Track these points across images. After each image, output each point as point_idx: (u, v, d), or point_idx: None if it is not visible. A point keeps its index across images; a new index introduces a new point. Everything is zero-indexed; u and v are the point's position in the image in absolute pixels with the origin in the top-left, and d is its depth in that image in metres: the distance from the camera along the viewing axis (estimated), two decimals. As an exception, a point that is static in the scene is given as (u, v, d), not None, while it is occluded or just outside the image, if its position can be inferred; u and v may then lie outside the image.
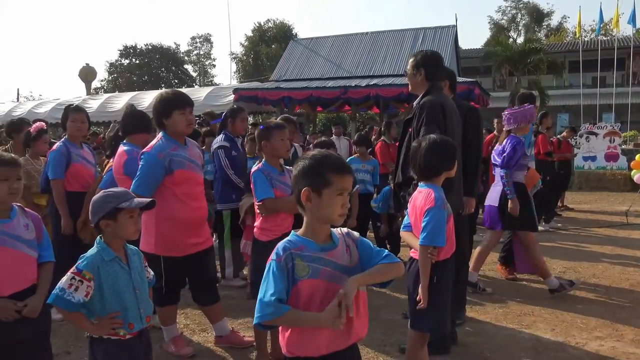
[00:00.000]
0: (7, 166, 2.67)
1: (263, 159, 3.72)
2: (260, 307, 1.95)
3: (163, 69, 45.25)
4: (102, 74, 43.48)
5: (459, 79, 17.09)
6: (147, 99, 20.65)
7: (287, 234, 3.63)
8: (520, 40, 40.32)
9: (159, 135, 3.84)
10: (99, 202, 2.52)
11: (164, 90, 3.89)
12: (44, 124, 5.52)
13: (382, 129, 9.19)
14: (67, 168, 4.88)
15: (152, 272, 2.86)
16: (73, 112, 4.96)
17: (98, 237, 2.56)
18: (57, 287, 2.39)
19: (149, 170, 3.69)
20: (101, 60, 74.27)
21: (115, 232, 2.52)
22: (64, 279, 2.40)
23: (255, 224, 3.71)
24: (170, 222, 3.75)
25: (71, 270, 2.42)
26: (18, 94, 39.96)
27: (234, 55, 45.07)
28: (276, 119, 7.36)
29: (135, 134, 4.39)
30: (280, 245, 2.05)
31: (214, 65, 61.43)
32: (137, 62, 44.19)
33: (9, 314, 2.62)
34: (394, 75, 19.03)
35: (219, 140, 5.60)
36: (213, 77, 53.17)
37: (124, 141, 4.41)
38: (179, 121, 3.77)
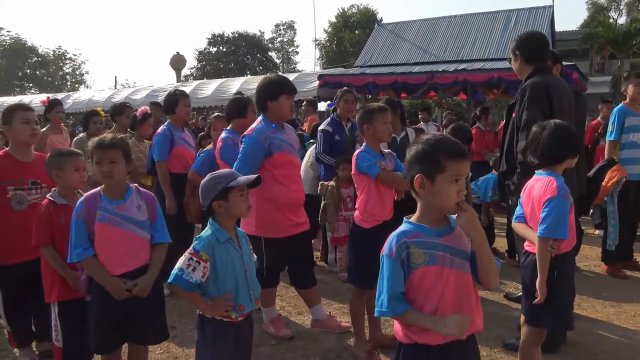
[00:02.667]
0: (99, 149, 2.76)
1: (364, 143, 3.63)
2: (379, 303, 1.94)
3: (249, 57, 46.23)
4: (191, 62, 45.18)
5: (556, 63, 16.20)
6: (234, 86, 21.21)
7: (388, 223, 3.62)
8: (621, 20, 37.38)
9: (259, 119, 3.87)
10: (208, 185, 2.54)
11: (270, 74, 3.91)
12: (148, 108, 5.75)
13: (478, 114, 8.80)
14: (171, 150, 5.06)
15: (254, 255, 2.87)
16: (184, 97, 5.14)
17: (210, 219, 2.59)
18: (176, 267, 2.44)
19: (250, 153, 3.73)
20: (190, 49, 77.24)
21: (228, 212, 2.54)
22: (182, 259, 2.45)
23: (356, 207, 3.64)
24: (271, 204, 3.78)
25: (188, 251, 2.46)
26: (115, 81, 42.48)
27: (317, 42, 45.25)
28: (359, 104, 7.23)
29: (236, 119, 4.46)
30: (392, 238, 1.96)
31: (297, 52, 61.96)
32: (224, 49, 45.41)
33: (119, 293, 2.73)
34: (483, 59, 18.25)
35: (324, 123, 5.58)
36: (296, 63, 53.76)
37: (227, 128, 4.51)
38: (285, 105, 3.79)
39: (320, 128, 5.55)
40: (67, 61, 50.73)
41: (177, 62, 35.12)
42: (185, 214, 4.94)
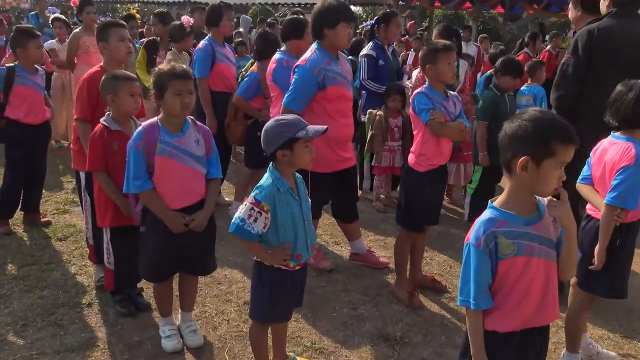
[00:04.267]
0: (179, 79, 2.64)
1: (426, 82, 3.45)
2: (464, 292, 1.89)
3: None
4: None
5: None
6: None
7: (444, 168, 3.53)
8: None
9: (313, 47, 3.67)
10: (274, 132, 2.42)
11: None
12: (192, 19, 5.48)
13: (526, 39, 8.32)
14: (212, 67, 4.88)
15: None
16: (229, 10, 4.89)
17: (271, 166, 2.50)
18: (236, 216, 2.40)
19: (303, 85, 3.58)
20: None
21: (291, 162, 2.45)
22: (243, 208, 2.39)
23: (411, 149, 3.54)
24: (320, 138, 3.63)
25: (249, 200, 2.40)
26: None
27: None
28: (394, 9, 6.76)
29: (292, 40, 4.25)
30: (478, 226, 1.87)
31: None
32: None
33: (177, 227, 2.72)
34: (529, -30, 17.14)
35: (367, 47, 5.30)
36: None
37: (280, 48, 4.29)
38: (343, 34, 3.56)
39: (363, 53, 5.29)
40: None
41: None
42: (225, 135, 4.86)
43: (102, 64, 3.50)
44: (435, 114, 3.31)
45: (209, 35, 4.99)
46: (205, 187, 2.84)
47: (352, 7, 20.66)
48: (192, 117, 2.85)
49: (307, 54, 3.65)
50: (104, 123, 3.03)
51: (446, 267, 4.23)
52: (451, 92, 3.53)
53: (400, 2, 18.24)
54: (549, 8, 17.82)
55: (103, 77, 3.09)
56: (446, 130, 3.35)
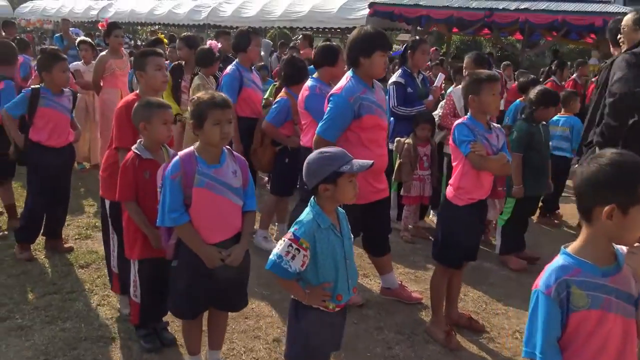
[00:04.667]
0: (219, 108, 2.53)
1: (469, 113, 3.33)
2: (530, 344, 1.72)
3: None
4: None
5: None
6: (279, 7, 20.46)
7: (483, 202, 3.38)
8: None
9: (348, 75, 3.57)
10: (317, 165, 2.30)
11: (366, 26, 3.54)
12: (219, 44, 5.43)
13: (554, 67, 8.20)
14: (239, 93, 4.81)
15: None
16: (257, 36, 4.83)
17: (312, 200, 2.38)
18: (274, 252, 2.27)
19: (339, 114, 3.47)
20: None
21: (334, 197, 2.32)
22: (281, 245, 2.26)
23: (450, 182, 3.40)
24: (355, 170, 3.56)
25: (288, 236, 2.27)
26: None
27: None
28: (410, 37, 6.70)
29: (326, 67, 4.16)
30: (549, 272, 1.70)
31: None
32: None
33: (214, 262, 2.59)
34: (548, -1, 17.10)
35: (395, 75, 5.21)
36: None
37: (312, 75, 4.21)
38: (378, 63, 3.46)
39: (392, 80, 5.20)
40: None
41: (219, -26, 33.98)
42: (251, 161, 4.75)
43: (138, 91, 3.41)
44: (476, 146, 3.18)
45: (236, 60, 4.93)
46: (241, 220, 2.72)
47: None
48: (228, 147, 2.75)
49: (342, 82, 3.55)
50: (136, 151, 2.93)
51: (481, 304, 4.05)
52: (495, 124, 3.40)
53: (419, 28, 18.35)
54: (568, 35, 17.78)
55: (136, 104, 3.00)
56: (488, 164, 3.22)
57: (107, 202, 3.39)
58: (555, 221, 6.07)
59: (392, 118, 5.33)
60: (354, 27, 15.09)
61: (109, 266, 3.57)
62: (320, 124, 3.54)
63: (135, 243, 2.98)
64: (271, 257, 2.27)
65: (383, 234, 3.91)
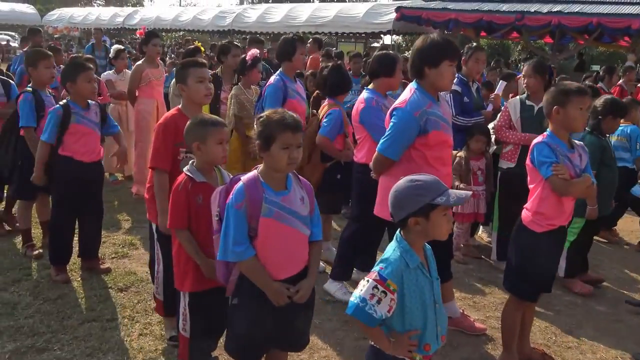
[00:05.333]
0: (290, 131, 2.26)
1: (549, 129, 3.01)
2: None
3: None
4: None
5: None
6: (304, 12, 20.29)
7: (563, 228, 3.06)
8: None
9: (412, 87, 3.27)
10: (407, 195, 2.02)
11: (431, 34, 3.25)
12: (258, 51, 5.18)
13: (602, 73, 7.80)
14: (283, 104, 4.54)
15: None
16: (302, 44, 4.55)
17: (399, 234, 2.10)
18: (356, 295, 1.99)
19: (403, 130, 3.18)
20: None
21: (425, 232, 2.04)
22: (365, 286, 1.99)
23: (526, 206, 3.08)
24: (416, 190, 3.27)
25: (372, 276, 2.00)
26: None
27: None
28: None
29: (382, 78, 3.88)
30: None
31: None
32: (292, -30, 43.52)
33: (282, 300, 2.32)
34: (581, 1, 16.63)
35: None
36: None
37: (367, 87, 3.93)
38: (446, 74, 3.16)
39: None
40: (132, -27, 50.00)
41: (242, -19, 34.06)
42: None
43: (179, 106, 3.17)
44: (559, 169, 2.86)
45: (280, 69, 4.67)
46: (308, 252, 2.44)
47: (394, 37, 20.25)
48: (294, 172, 2.47)
49: (406, 95, 3.26)
50: (189, 174, 2.68)
51: (550, 335, 3.72)
52: (576, 141, 3.07)
53: (446, 32, 17.99)
54: (601, 39, 17.27)
55: (189, 123, 2.75)
56: (571, 189, 2.90)
57: (154, 226, 3.15)
58: (615, 238, 5.70)
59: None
60: (380, 32, 14.85)
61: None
62: (382, 141, 3.26)
63: (186, 274, 2.72)
64: (353, 299, 1.99)
65: (446, 259, 3.61)
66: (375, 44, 29.92)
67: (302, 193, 2.40)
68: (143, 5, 40.77)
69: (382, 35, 23.52)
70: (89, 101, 4.04)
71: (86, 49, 10.10)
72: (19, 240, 4.68)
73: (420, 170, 3.21)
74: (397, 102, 3.27)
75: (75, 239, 4.20)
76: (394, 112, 3.23)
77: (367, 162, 3.79)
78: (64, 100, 3.99)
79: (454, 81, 4.86)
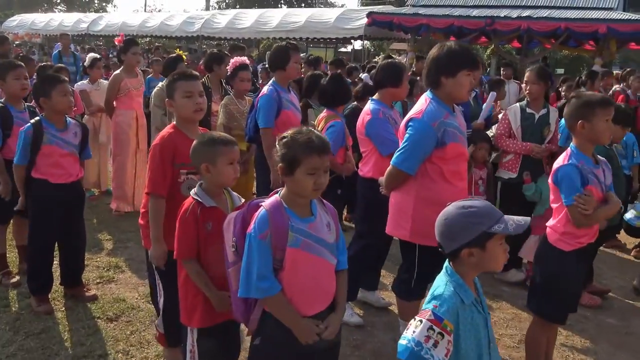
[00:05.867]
0: (317, 155, 2.02)
1: (573, 143, 2.88)
2: None
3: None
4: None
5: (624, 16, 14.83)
6: (274, 18, 20.09)
7: (593, 245, 2.93)
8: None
9: (427, 97, 3.10)
10: (461, 224, 1.82)
11: (448, 42, 3.07)
12: (244, 59, 4.93)
13: (584, 78, 7.79)
14: (278, 115, 4.31)
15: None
16: (296, 52, 4.31)
17: (449, 267, 1.89)
18: (408, 337, 1.77)
19: (420, 142, 2.99)
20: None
21: (479, 264, 1.84)
22: (418, 327, 1.77)
23: (550, 224, 2.93)
24: (433, 206, 3.05)
25: (426, 316, 1.79)
26: (146, 4, 40.89)
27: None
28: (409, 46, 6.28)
29: (389, 88, 3.69)
30: None
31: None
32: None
33: (311, 337, 2.10)
34: (549, 6, 16.96)
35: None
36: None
37: (372, 97, 3.73)
38: (463, 84, 2.99)
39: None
40: (94, -22, 48.95)
41: (208, -15, 33.68)
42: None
43: (174, 122, 2.90)
44: (582, 201, 2.72)
45: (273, 79, 4.44)
46: (335, 283, 2.22)
47: (363, 42, 20.15)
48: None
49: (421, 105, 3.08)
50: (197, 198, 2.43)
51: (567, 352, 3.59)
52: (600, 157, 2.94)
53: (417, 37, 18.08)
54: (567, 42, 17.60)
55: (196, 142, 2.49)
56: (591, 222, 2.80)
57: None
58: (617, 242, 5.64)
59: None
60: (352, 37, 14.74)
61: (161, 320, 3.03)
62: (397, 154, 3.07)
63: (195, 309, 2.46)
64: (404, 342, 1.77)
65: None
66: (343, 49, 30.11)
67: (327, 218, 2.19)
68: (107, 11, 39.79)
69: (352, 41, 23.57)
70: (69, 119, 3.72)
71: (53, 57, 9.62)
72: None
73: (435, 186, 3.07)
74: (412, 113, 3.09)
75: (56, 263, 3.88)
76: (410, 123, 3.05)
77: (373, 176, 3.61)
78: (37, 118, 3.64)
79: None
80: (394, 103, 4.07)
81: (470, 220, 1.80)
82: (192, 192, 2.47)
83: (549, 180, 2.91)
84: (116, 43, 6.09)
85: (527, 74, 4.49)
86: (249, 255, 2.04)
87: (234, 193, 2.58)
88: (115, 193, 5.86)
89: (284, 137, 2.09)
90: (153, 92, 5.36)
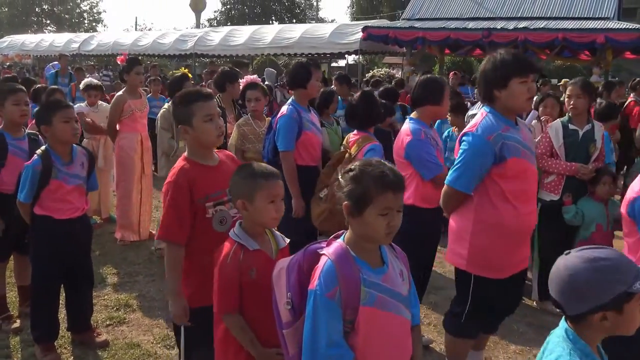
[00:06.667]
0: (390, 192, 1.70)
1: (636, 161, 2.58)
2: None
3: (275, 2, 43.96)
4: (215, 5, 43.21)
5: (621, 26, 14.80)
6: (268, 34, 19.91)
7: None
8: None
9: (484, 111, 2.82)
10: (592, 281, 1.44)
11: (498, 51, 2.79)
12: (254, 77, 4.62)
13: (601, 88, 7.57)
14: (298, 137, 4.01)
15: None
16: (317, 70, 4.03)
17: (570, 331, 1.52)
18: None
19: (475, 157, 2.72)
20: (213, -10, 73.95)
21: (612, 328, 1.47)
22: None
23: (626, 252, 2.62)
24: (493, 231, 2.79)
25: None
26: (136, 22, 40.76)
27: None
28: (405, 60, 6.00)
29: (428, 106, 3.40)
30: None
31: (320, -1, 58.78)
32: (250, -8, 43.28)
33: None
34: (545, 17, 16.92)
35: (475, 106, 4.46)
36: (319, 10, 51.45)
37: (410, 116, 3.43)
38: (518, 93, 2.71)
39: (471, 112, 4.46)
40: (84, -2, 48.78)
41: (197, 3, 33.50)
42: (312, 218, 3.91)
43: (186, 154, 2.52)
44: None
45: (292, 98, 4.13)
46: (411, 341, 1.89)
47: (359, 57, 20.00)
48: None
49: (477, 118, 2.81)
50: (238, 240, 2.10)
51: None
52: None
53: (413, 50, 17.95)
54: (562, 53, 17.55)
55: (234, 174, 2.17)
56: None
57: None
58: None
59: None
60: (347, 52, 14.48)
61: None
62: (450, 172, 2.81)
63: (237, 368, 2.13)
64: None
65: (508, 314, 3.14)
66: (335, 64, 30.00)
67: (399, 266, 1.86)
68: (97, 31, 39.57)
69: (346, 55, 23.44)
70: (74, 147, 3.37)
71: (49, 76, 9.30)
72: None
73: (496, 208, 2.75)
74: (468, 127, 2.82)
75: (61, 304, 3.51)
76: (464, 138, 2.78)
77: (414, 203, 3.31)
78: (42, 148, 3.27)
79: (480, 104, 4.46)
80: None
81: (606, 277, 1.44)
82: (232, 233, 2.14)
83: (622, 211, 2.59)
84: (119, 62, 5.77)
85: (569, 88, 4.18)
86: (314, 318, 1.69)
87: (277, 232, 2.26)
88: (120, 221, 5.49)
89: (351, 170, 1.76)
90: (159, 114, 5.03)
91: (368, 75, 21.14)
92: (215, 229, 2.40)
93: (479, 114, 2.83)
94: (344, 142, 3.97)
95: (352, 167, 1.78)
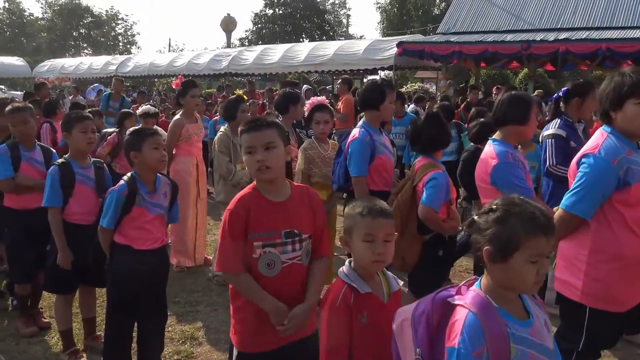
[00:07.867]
0: (542, 236, 1.51)
1: None
2: None
3: (306, 20, 44.32)
4: (247, 25, 43.82)
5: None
6: (302, 52, 19.92)
7: None
8: None
9: (603, 132, 2.62)
10: None
11: (620, 70, 2.58)
12: (322, 98, 4.47)
13: None
14: (371, 161, 3.82)
15: None
16: (392, 90, 3.84)
17: None
18: None
19: (597, 180, 2.51)
20: (243, 11, 75.49)
21: None
22: None
23: None
24: (612, 262, 2.55)
25: None
26: (169, 44, 41.62)
27: (378, 5, 42.80)
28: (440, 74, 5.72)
29: (514, 125, 3.15)
30: None
31: (349, 15, 59.19)
32: (281, 12, 43.65)
33: None
34: (587, 28, 16.51)
35: (553, 125, 4.20)
36: (349, 26, 51.69)
37: (493, 137, 3.20)
38: (634, 114, 2.51)
39: (549, 132, 4.18)
40: (119, 22, 50.28)
41: (228, 23, 33.92)
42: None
43: (255, 184, 2.26)
44: None
45: (363, 120, 3.96)
46: None
47: (393, 72, 19.87)
48: None
49: (597, 139, 2.62)
50: (349, 282, 1.91)
51: None
52: None
53: (448, 65, 17.70)
54: (603, 64, 17.06)
55: (349, 210, 1.99)
56: None
57: (237, 352, 2.26)
58: None
59: (545, 178, 4.33)
60: (381, 68, 14.31)
61: None
62: (567, 195, 2.59)
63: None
64: None
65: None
66: (364, 79, 29.94)
67: (543, 316, 1.65)
68: (131, 53, 40.48)
69: (379, 71, 23.32)
70: (158, 176, 3.25)
71: (102, 98, 9.45)
72: (54, 341, 3.82)
73: (616, 237, 2.51)
74: (587, 148, 2.62)
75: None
76: (584, 160, 2.58)
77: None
78: (129, 175, 3.18)
79: (557, 123, 4.21)
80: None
81: None
82: (341, 273, 1.96)
83: None
84: (174, 87, 5.70)
85: None
86: None
87: (389, 273, 2.06)
88: (175, 247, 5.38)
89: (493, 210, 1.57)
90: (215, 138, 4.92)
91: (402, 89, 20.95)
92: (261, 272, 2.15)
93: (598, 134, 2.63)
94: (411, 169, 3.74)
95: (494, 206, 1.58)
